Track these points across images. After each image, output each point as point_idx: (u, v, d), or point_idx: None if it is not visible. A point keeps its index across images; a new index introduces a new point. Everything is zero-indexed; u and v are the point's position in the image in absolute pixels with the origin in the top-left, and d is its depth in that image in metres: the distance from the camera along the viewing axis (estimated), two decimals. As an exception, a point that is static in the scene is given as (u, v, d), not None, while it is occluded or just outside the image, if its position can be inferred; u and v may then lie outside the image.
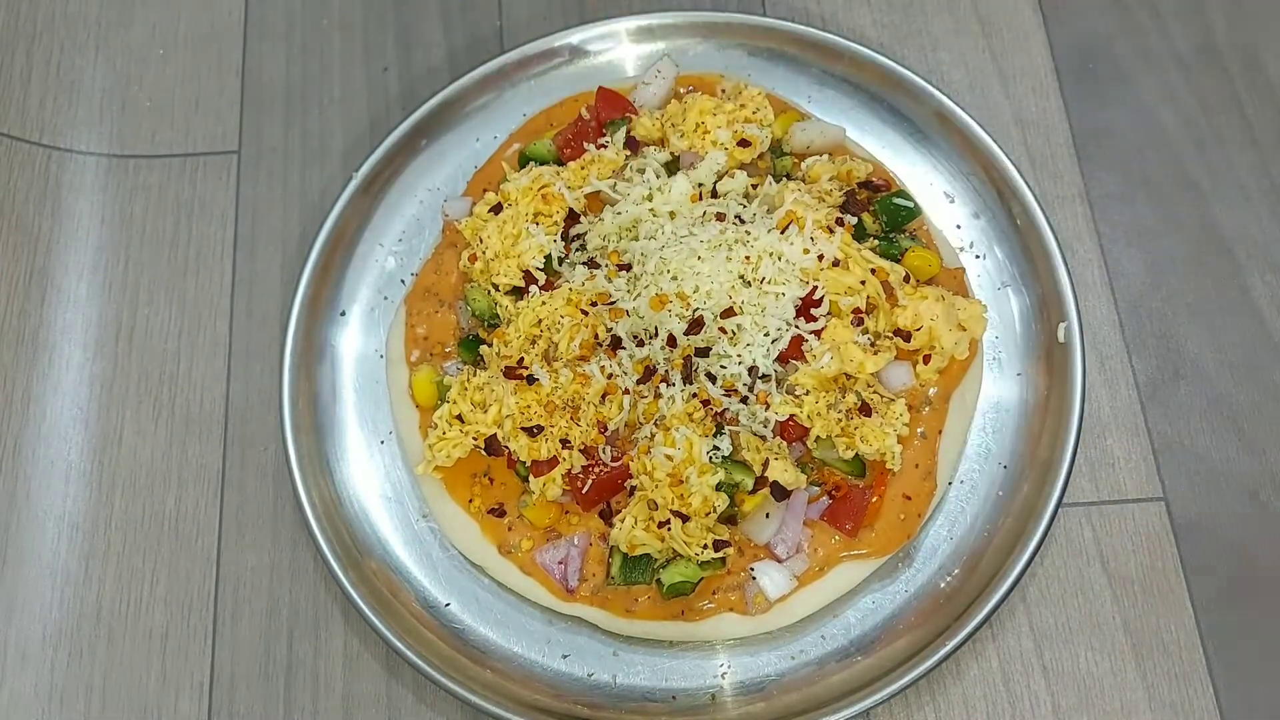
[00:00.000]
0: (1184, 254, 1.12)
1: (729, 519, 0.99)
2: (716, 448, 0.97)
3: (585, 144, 1.11)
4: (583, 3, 1.25)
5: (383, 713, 1.00)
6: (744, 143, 1.10)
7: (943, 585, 0.99)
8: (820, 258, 1.01)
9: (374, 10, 1.27)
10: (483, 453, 1.02)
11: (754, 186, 1.09)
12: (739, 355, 0.99)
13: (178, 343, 1.14)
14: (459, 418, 1.01)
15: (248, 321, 1.15)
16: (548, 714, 0.95)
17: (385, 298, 1.12)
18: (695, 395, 0.99)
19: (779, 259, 1.01)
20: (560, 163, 1.12)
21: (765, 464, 0.97)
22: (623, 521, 0.97)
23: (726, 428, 0.99)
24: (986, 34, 1.22)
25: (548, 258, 1.06)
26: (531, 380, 1.00)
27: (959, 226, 1.12)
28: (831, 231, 1.02)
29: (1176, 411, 1.07)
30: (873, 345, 1.00)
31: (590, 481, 0.98)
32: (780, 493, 0.97)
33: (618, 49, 1.20)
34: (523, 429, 0.99)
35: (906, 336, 1.01)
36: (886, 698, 0.93)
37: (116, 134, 1.23)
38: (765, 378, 1.00)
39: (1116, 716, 0.97)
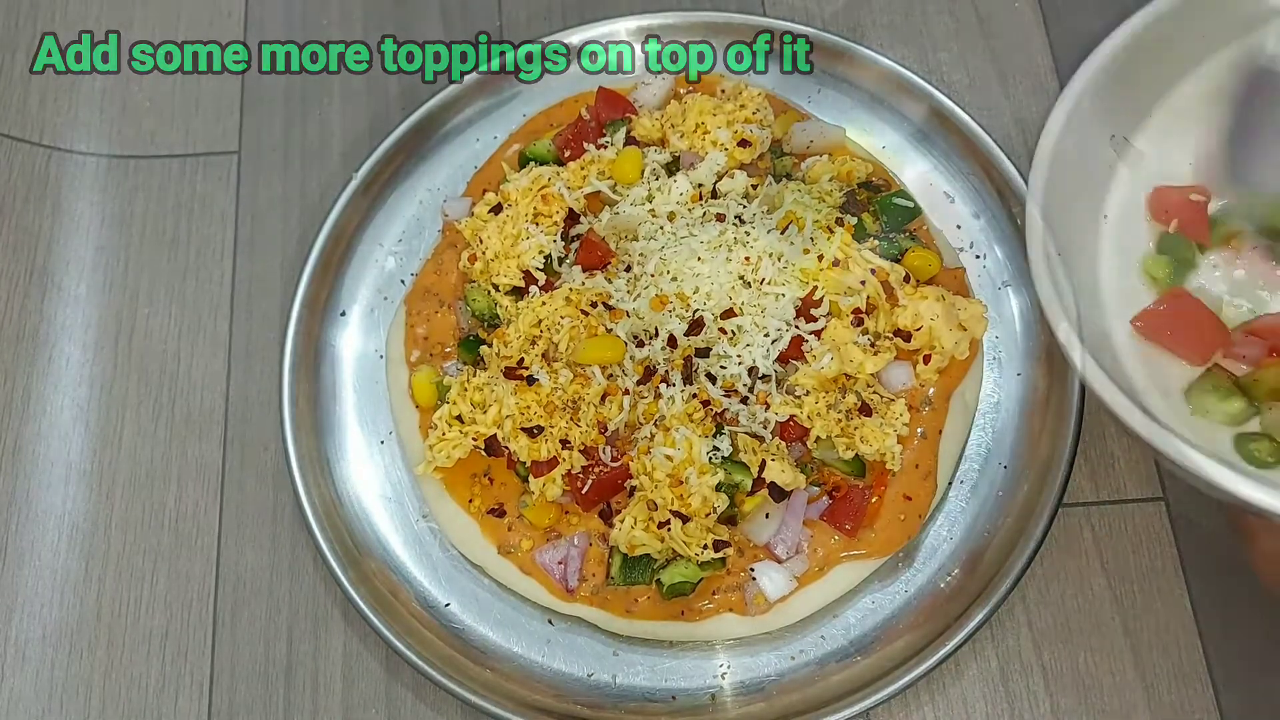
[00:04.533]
0: (1184, 254, 1.12)
1: (729, 519, 0.99)
2: (716, 448, 0.97)
3: (585, 144, 1.12)
4: (583, 3, 1.25)
5: (383, 713, 1.00)
6: (744, 143, 1.10)
7: (943, 585, 0.99)
8: (820, 258, 1.01)
9: (374, 10, 1.27)
10: (483, 453, 1.02)
11: (754, 187, 1.09)
12: (739, 356, 0.99)
13: (178, 342, 1.14)
14: (459, 418, 1.01)
15: (248, 321, 1.15)
16: (548, 714, 0.96)
17: (385, 298, 1.13)
18: (695, 396, 0.99)
19: (779, 259, 1.01)
20: (560, 163, 1.12)
21: (762, 465, 0.97)
22: (622, 522, 0.97)
23: (726, 428, 0.99)
24: (986, 34, 1.22)
25: (548, 258, 1.06)
26: (531, 381, 1.00)
27: (959, 226, 1.12)
28: (831, 231, 1.02)
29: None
30: (873, 345, 1.00)
31: (590, 482, 0.98)
32: (778, 493, 0.97)
33: (618, 49, 1.20)
34: (523, 429, 0.99)
35: (906, 336, 1.01)
36: (886, 698, 0.93)
37: (116, 134, 1.23)
38: (765, 378, 1.00)
39: (1116, 717, 0.97)
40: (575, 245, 1.06)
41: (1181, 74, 0.92)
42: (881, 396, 1.01)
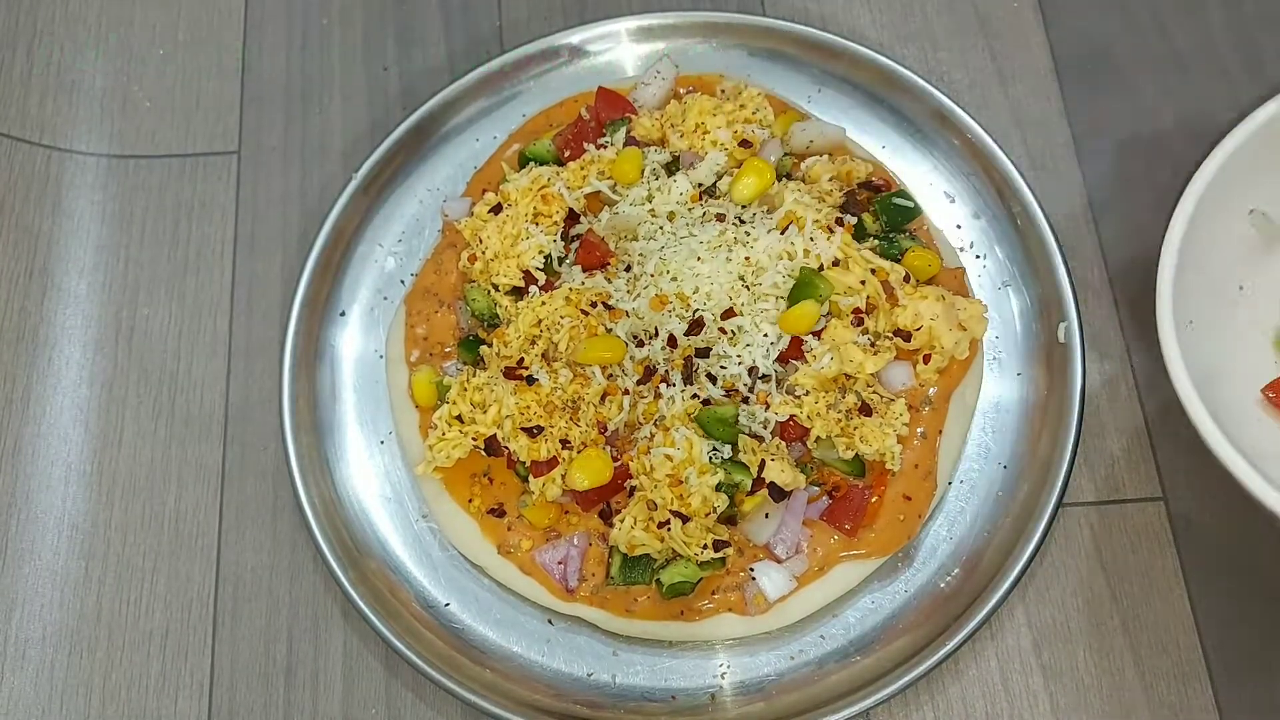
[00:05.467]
0: (1184, 254, 1.12)
1: (729, 519, 0.99)
2: (716, 449, 0.97)
3: (585, 144, 1.12)
4: (583, 3, 1.25)
5: (383, 712, 1.00)
6: (744, 143, 1.10)
7: (942, 585, 0.99)
8: (819, 258, 1.01)
9: (374, 10, 1.27)
10: (482, 453, 1.02)
11: (754, 186, 1.09)
12: (739, 356, 0.99)
13: (178, 342, 1.14)
14: (459, 418, 1.01)
15: (248, 321, 1.15)
16: (547, 714, 0.96)
17: (385, 298, 1.13)
18: (695, 395, 0.99)
19: (779, 259, 1.01)
20: (560, 163, 1.12)
21: (761, 465, 0.97)
22: (622, 522, 0.97)
23: (726, 428, 0.99)
24: (986, 34, 1.22)
25: (548, 258, 1.06)
26: (531, 380, 1.00)
27: (959, 226, 1.12)
28: (831, 231, 1.02)
29: (1176, 411, 1.06)
30: (873, 345, 1.00)
31: (589, 481, 0.98)
32: (778, 493, 0.97)
33: (618, 49, 1.20)
34: (522, 429, 0.99)
35: (906, 336, 1.01)
36: (886, 698, 0.93)
37: (117, 134, 1.23)
38: (765, 378, 1.00)
39: (1115, 717, 0.97)
40: (575, 245, 1.06)
41: None
42: (881, 396, 1.01)
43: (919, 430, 1.01)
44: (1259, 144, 0.89)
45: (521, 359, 1.02)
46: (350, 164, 1.16)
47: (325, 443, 1.07)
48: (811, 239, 1.02)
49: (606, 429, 0.99)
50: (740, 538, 0.99)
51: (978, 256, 1.11)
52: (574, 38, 1.19)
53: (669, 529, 0.95)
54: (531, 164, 1.12)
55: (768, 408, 0.99)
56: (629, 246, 1.05)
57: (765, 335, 0.99)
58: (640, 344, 1.01)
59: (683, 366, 0.99)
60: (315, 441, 1.07)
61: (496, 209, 1.08)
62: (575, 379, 1.00)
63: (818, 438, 0.98)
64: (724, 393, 0.99)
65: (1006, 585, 0.95)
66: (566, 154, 1.12)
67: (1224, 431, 0.81)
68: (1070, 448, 0.99)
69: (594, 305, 1.02)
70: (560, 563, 0.99)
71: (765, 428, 0.99)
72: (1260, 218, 0.92)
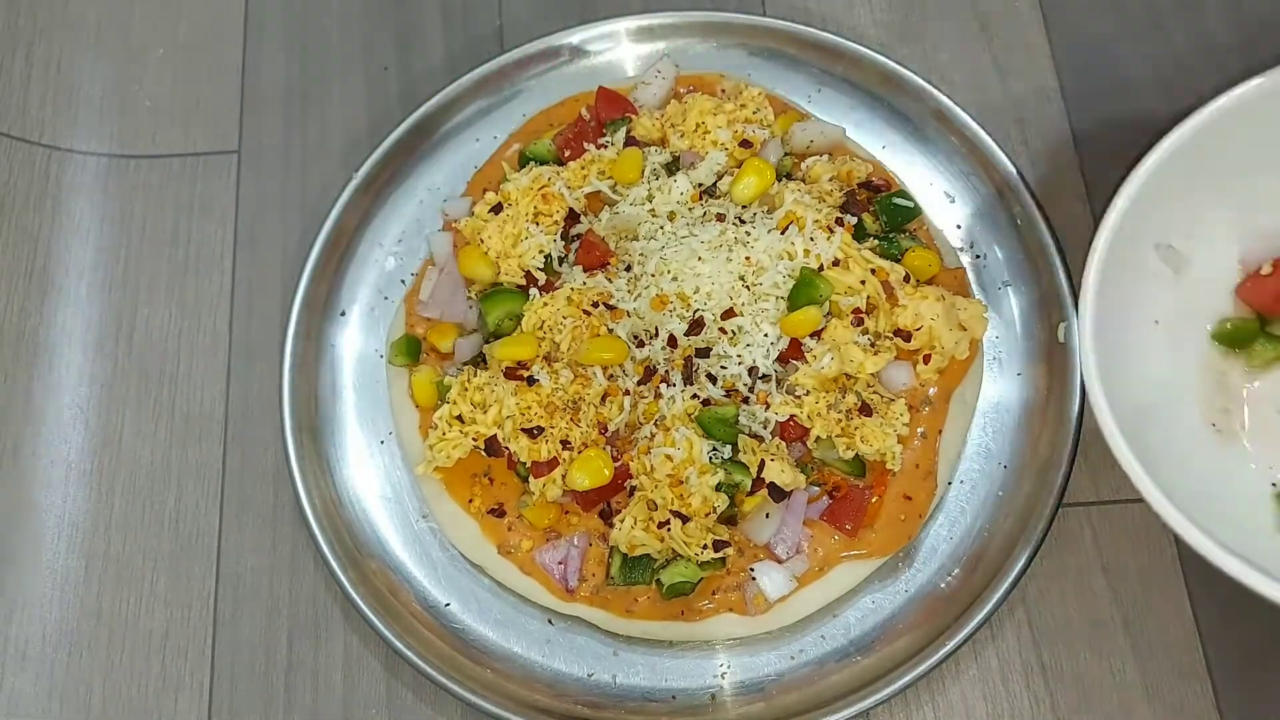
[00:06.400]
0: (1184, 254, 1.12)
1: (729, 519, 0.99)
2: (716, 449, 0.97)
3: (585, 144, 1.12)
4: (583, 3, 1.25)
5: (383, 713, 1.00)
6: (745, 143, 1.10)
7: (943, 585, 0.99)
8: (819, 258, 1.01)
9: (374, 10, 1.27)
10: (483, 453, 1.02)
11: (754, 186, 1.09)
12: (739, 356, 0.99)
13: (178, 342, 1.14)
14: (459, 418, 1.01)
15: (248, 321, 1.15)
16: (548, 714, 0.96)
17: (385, 298, 1.13)
18: (695, 396, 0.99)
19: (779, 259, 1.01)
20: (560, 163, 1.12)
21: (761, 465, 0.97)
22: (622, 522, 0.97)
23: (726, 428, 0.99)
24: (986, 34, 1.22)
25: (548, 257, 1.06)
26: (532, 381, 1.00)
27: (959, 226, 1.12)
28: (831, 231, 1.02)
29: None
30: (873, 345, 1.00)
31: (590, 482, 0.98)
32: (778, 493, 0.97)
33: (618, 49, 1.20)
34: (523, 430, 0.99)
35: (907, 336, 1.01)
36: (886, 698, 0.93)
37: (116, 134, 1.23)
38: (765, 378, 1.00)
39: (1116, 717, 0.97)
40: (575, 245, 1.06)
41: (1224, 177, 0.93)
42: (881, 396, 1.01)
43: (919, 430, 1.01)
44: (1155, 184, 0.90)
45: (523, 359, 1.02)
46: (350, 164, 1.16)
47: (325, 443, 1.07)
48: (811, 239, 1.02)
49: (607, 429, 0.99)
50: (740, 538, 0.99)
51: (978, 256, 1.11)
52: (574, 38, 1.19)
53: (669, 529, 0.95)
54: (532, 164, 1.12)
55: (768, 408, 0.99)
56: (629, 246, 1.05)
57: (765, 335, 0.99)
58: (640, 344, 1.01)
59: (683, 366, 0.99)
60: (315, 441, 1.07)
61: (497, 209, 1.08)
62: (576, 379, 1.00)
63: (818, 438, 0.98)
64: (724, 393, 0.99)
65: (1007, 585, 0.95)
66: (567, 154, 1.12)
67: (1164, 479, 0.82)
68: (1070, 448, 0.99)
69: (595, 305, 1.02)
70: (560, 563, 0.99)
71: (765, 428, 0.99)
72: (1167, 250, 0.93)
